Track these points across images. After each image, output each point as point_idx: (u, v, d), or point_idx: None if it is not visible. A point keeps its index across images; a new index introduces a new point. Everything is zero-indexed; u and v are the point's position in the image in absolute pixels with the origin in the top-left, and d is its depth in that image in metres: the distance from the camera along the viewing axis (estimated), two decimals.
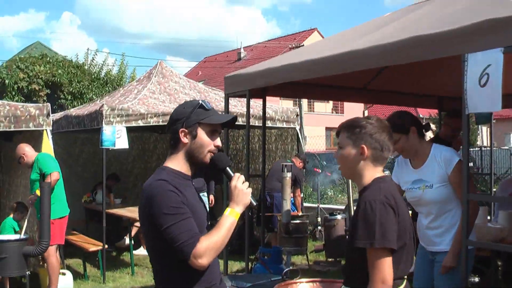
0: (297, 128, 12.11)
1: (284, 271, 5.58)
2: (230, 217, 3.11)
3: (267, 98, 7.56)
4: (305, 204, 13.09)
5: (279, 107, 11.92)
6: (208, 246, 2.98)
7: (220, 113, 3.38)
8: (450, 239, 4.73)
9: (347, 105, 42.79)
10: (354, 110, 35.60)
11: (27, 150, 8.36)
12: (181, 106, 3.26)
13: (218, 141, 3.23)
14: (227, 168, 3.26)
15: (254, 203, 3.24)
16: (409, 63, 5.03)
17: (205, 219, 3.24)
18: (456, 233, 4.69)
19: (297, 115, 11.95)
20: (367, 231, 3.05)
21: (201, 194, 8.51)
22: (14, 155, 8.55)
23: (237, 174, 3.20)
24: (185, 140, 3.17)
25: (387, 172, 5.82)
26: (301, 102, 31.11)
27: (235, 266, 10.06)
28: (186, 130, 3.16)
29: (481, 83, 4.09)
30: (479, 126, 31.46)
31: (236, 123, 9.24)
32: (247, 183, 3.20)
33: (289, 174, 8.50)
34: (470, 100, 4.19)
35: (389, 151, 3.34)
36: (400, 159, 5.24)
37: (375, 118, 3.37)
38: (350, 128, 3.34)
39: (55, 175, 8.05)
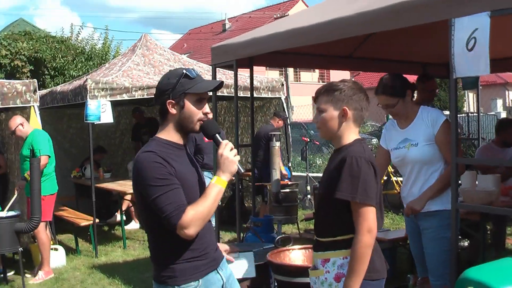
0: (283, 97, 12.09)
1: (277, 238, 5.63)
2: (217, 185, 3.11)
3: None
4: (294, 173, 13.14)
5: (264, 77, 11.89)
6: (194, 216, 2.99)
7: (206, 79, 3.36)
8: (437, 199, 4.78)
9: (333, 74, 42.74)
10: (340, 78, 35.31)
11: (24, 122, 8.33)
12: (165, 77, 3.25)
13: (206, 108, 3.23)
14: (216, 135, 3.24)
15: (242, 170, 3.25)
16: (395, 30, 5.03)
17: (198, 188, 3.23)
18: (434, 184, 4.76)
19: (282, 85, 11.93)
20: (352, 185, 3.21)
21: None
22: (6, 128, 8.50)
23: (225, 142, 3.20)
24: (173, 111, 3.18)
25: (375, 140, 5.87)
26: (288, 72, 31.09)
27: (226, 236, 10.13)
28: (173, 101, 3.17)
29: (468, 48, 4.10)
30: (466, 92, 31.58)
31: (221, 94, 9.18)
32: (234, 151, 3.18)
33: (278, 144, 8.50)
34: (457, 64, 4.20)
35: (367, 111, 3.49)
36: (388, 123, 5.30)
37: (351, 81, 3.50)
38: (330, 92, 3.44)
39: (44, 159, 8.02)
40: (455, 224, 4.39)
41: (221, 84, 3.31)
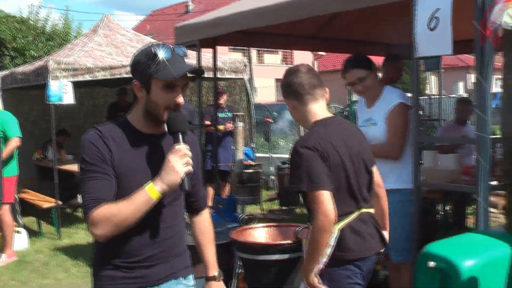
0: (246, 78, 12.08)
1: (240, 216, 5.65)
2: (147, 194, 2.58)
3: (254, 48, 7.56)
4: (258, 154, 13.17)
5: (227, 58, 11.86)
6: (105, 216, 2.56)
7: (185, 61, 2.78)
8: (395, 178, 4.84)
9: (297, 56, 42.70)
10: (303, 61, 35.33)
11: None
12: (137, 53, 2.79)
13: (176, 98, 2.72)
14: (179, 134, 2.71)
15: (186, 187, 2.66)
16: (359, 10, 5.06)
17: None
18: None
19: (245, 66, 11.92)
20: (297, 176, 3.28)
21: None
22: None
23: (179, 146, 2.66)
24: (139, 94, 2.76)
25: None
26: (251, 54, 30.99)
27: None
28: (139, 84, 2.74)
29: (430, 27, 4.14)
30: (428, 75, 31.84)
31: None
32: (186, 159, 2.63)
33: (241, 124, 8.53)
34: (419, 44, 4.25)
35: (321, 88, 3.53)
36: (359, 103, 5.38)
37: (304, 67, 3.59)
38: (284, 87, 3.59)
39: (16, 141, 7.96)
40: (418, 201, 4.47)
41: (199, 71, 2.84)
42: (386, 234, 3.72)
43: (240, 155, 8.92)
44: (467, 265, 3.08)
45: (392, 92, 5.06)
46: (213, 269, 3.17)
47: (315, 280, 3.32)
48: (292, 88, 3.52)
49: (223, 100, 10.16)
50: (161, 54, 2.68)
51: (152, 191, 2.57)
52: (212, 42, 7.28)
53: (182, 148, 2.65)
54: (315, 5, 5.25)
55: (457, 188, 4.75)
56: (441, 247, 3.25)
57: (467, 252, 3.20)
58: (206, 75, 9.77)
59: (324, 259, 3.33)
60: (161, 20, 50.84)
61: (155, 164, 2.70)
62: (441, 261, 3.13)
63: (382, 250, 3.60)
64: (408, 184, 4.61)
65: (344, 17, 6.66)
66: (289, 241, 4.53)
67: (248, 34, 7.22)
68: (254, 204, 10.48)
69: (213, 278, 3.15)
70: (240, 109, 11.41)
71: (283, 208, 10.76)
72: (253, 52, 35.55)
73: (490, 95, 3.93)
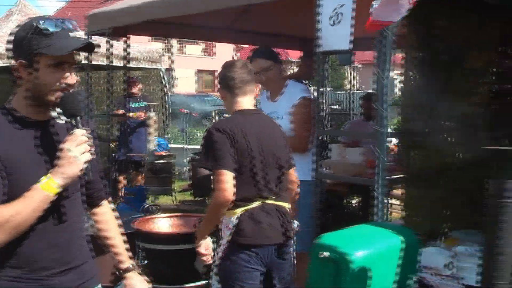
0: (161, 69, 12.01)
1: (143, 206, 5.63)
2: (42, 191, 2.27)
3: (136, 38, 7.46)
4: (173, 145, 13.12)
5: (144, 47, 11.77)
6: None
7: (77, 37, 2.46)
8: (298, 170, 4.92)
9: (218, 48, 42.71)
10: (224, 53, 35.55)
11: None
12: (19, 30, 2.43)
13: (66, 77, 2.40)
14: (75, 119, 2.41)
15: (91, 177, 2.44)
16: (274, 3, 5.11)
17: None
18: None
19: (161, 56, 11.86)
20: (206, 155, 3.58)
21: None
22: None
23: (76, 133, 2.35)
24: (24, 74, 2.39)
25: None
26: (172, 44, 30.81)
27: None
28: (24, 62, 2.37)
29: (334, 22, 4.22)
30: (347, 70, 32.29)
31: (98, 63, 8.84)
32: (84, 147, 2.34)
33: (154, 114, 8.49)
34: (323, 38, 4.33)
35: (251, 84, 3.79)
36: (262, 96, 5.42)
37: (239, 63, 3.88)
38: (219, 79, 3.88)
39: None
40: (318, 193, 4.55)
41: (90, 46, 2.49)
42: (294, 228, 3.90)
43: (152, 146, 8.86)
44: (358, 255, 3.14)
45: (296, 86, 5.15)
46: (126, 260, 2.90)
47: (203, 248, 3.69)
48: (225, 80, 3.79)
49: (137, 89, 10.06)
50: (47, 28, 2.35)
51: (49, 186, 2.27)
52: (123, 31, 7.20)
53: (79, 133, 2.34)
54: None
55: (356, 181, 4.87)
56: (333, 238, 3.31)
57: (359, 243, 3.28)
58: (122, 64, 9.82)
59: (224, 242, 3.57)
60: (81, 7, 49.95)
61: (49, 155, 2.39)
62: (333, 252, 3.19)
63: (284, 243, 3.73)
64: (309, 176, 4.69)
65: (260, 9, 6.67)
66: (190, 231, 4.55)
67: (163, 24, 7.16)
68: (167, 194, 10.43)
69: (129, 269, 2.88)
70: (154, 99, 11.34)
71: (196, 199, 10.74)
72: (175, 42, 35.35)
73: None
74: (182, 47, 44.56)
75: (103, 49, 7.38)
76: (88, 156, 2.35)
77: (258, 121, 3.77)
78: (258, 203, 3.61)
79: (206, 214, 3.70)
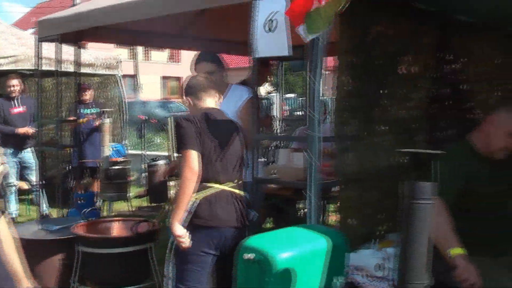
0: (118, 75, 11.99)
1: (84, 211, 5.62)
2: None
3: (96, 45, 7.45)
4: (131, 152, 13.06)
5: (100, 53, 11.73)
6: None
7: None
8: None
9: (184, 55, 42.61)
10: (190, 59, 35.30)
11: None
12: None
13: None
14: None
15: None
16: (226, 9, 5.16)
17: None
18: None
19: (118, 62, 11.84)
20: (176, 141, 4.04)
21: None
22: None
23: None
24: None
25: None
26: (137, 51, 30.66)
27: (54, 213, 9.95)
28: None
29: (268, 29, 4.27)
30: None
31: (48, 68, 8.77)
32: None
33: (107, 120, 8.46)
34: (259, 44, 4.37)
35: (213, 90, 4.36)
36: None
37: (201, 76, 4.47)
38: (185, 88, 4.35)
39: None
40: (257, 195, 4.64)
41: None
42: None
43: (107, 152, 8.84)
44: (282, 256, 3.20)
45: (239, 89, 5.22)
46: (24, 281, 2.85)
47: (178, 229, 3.88)
48: (191, 87, 4.29)
49: (88, 95, 10.01)
50: None
51: None
52: (75, 37, 7.19)
53: None
54: (176, 2, 5.31)
55: (290, 184, 4.93)
56: (259, 240, 3.37)
57: (284, 245, 3.33)
58: (82, 70, 9.78)
59: (182, 224, 3.90)
60: (46, 13, 49.58)
61: None
62: (258, 253, 3.24)
63: (239, 227, 4.10)
64: (247, 178, 4.76)
65: (211, 15, 6.70)
66: (126, 235, 4.59)
67: (115, 31, 7.15)
68: (122, 200, 10.40)
69: None
70: (112, 106, 11.32)
71: (152, 204, 10.73)
72: (140, 49, 35.22)
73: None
74: (148, 53, 44.45)
75: (52, 55, 7.38)
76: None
77: (220, 116, 4.26)
78: (216, 188, 4.04)
79: (177, 195, 3.96)
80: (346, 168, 4.43)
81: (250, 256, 3.25)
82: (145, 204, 10.98)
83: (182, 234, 3.91)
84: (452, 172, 3.88)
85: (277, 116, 11.38)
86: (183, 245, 3.92)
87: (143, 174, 12.61)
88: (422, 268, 2.88)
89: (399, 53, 4.86)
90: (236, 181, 4.19)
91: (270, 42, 4.28)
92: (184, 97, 4.34)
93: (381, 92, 4.68)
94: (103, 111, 8.71)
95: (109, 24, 6.43)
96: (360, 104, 4.46)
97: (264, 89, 10.10)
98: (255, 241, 3.35)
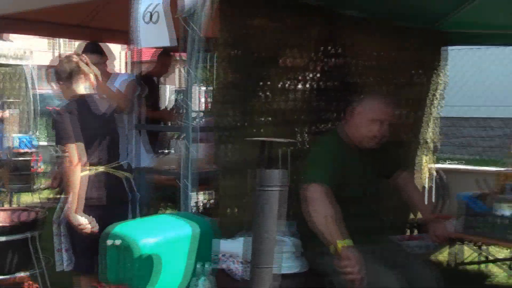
0: (24, 66, 11.84)
1: None
2: None
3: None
4: (41, 143, 12.91)
5: (9, 44, 11.56)
6: None
7: None
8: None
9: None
10: (113, 50, 34.89)
11: None
12: None
13: None
14: None
15: None
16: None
17: None
18: None
19: (25, 53, 11.68)
20: (56, 135, 4.28)
21: None
22: None
23: None
24: None
25: None
26: (59, 42, 30.07)
27: None
28: None
29: (150, 20, 4.33)
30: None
31: None
32: None
33: (8, 110, 8.39)
34: (141, 35, 4.42)
35: (79, 73, 4.49)
36: None
37: (74, 57, 4.58)
38: (56, 73, 4.53)
39: None
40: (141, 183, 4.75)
41: None
42: None
43: (10, 143, 8.76)
44: (145, 242, 3.28)
45: (121, 74, 5.83)
46: None
47: (76, 219, 4.20)
48: (59, 73, 4.47)
49: None
50: None
51: None
52: None
53: None
54: None
55: (166, 174, 5.00)
56: (125, 227, 3.42)
57: (148, 232, 3.40)
58: None
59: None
60: None
61: None
62: (123, 240, 3.30)
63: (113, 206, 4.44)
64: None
65: (110, 7, 6.66)
66: (5, 224, 4.60)
67: (14, 20, 7.03)
68: (27, 192, 10.30)
69: None
70: (19, 96, 11.19)
71: (62, 196, 10.62)
72: (61, 39, 34.53)
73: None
74: (71, 44, 43.59)
75: None
76: None
77: (91, 102, 4.50)
78: (94, 170, 4.37)
79: (66, 187, 4.28)
80: (225, 158, 4.53)
81: (116, 242, 3.31)
82: (53, 196, 10.88)
83: (82, 222, 4.19)
84: (324, 160, 4.03)
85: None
86: (86, 231, 4.20)
87: (54, 166, 12.50)
88: (271, 252, 3.00)
89: (282, 46, 4.97)
90: (110, 161, 4.52)
91: (153, 33, 4.34)
92: (57, 82, 4.52)
93: (261, 84, 4.78)
94: (4, 102, 8.63)
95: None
96: (239, 96, 4.56)
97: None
98: (120, 228, 3.41)
